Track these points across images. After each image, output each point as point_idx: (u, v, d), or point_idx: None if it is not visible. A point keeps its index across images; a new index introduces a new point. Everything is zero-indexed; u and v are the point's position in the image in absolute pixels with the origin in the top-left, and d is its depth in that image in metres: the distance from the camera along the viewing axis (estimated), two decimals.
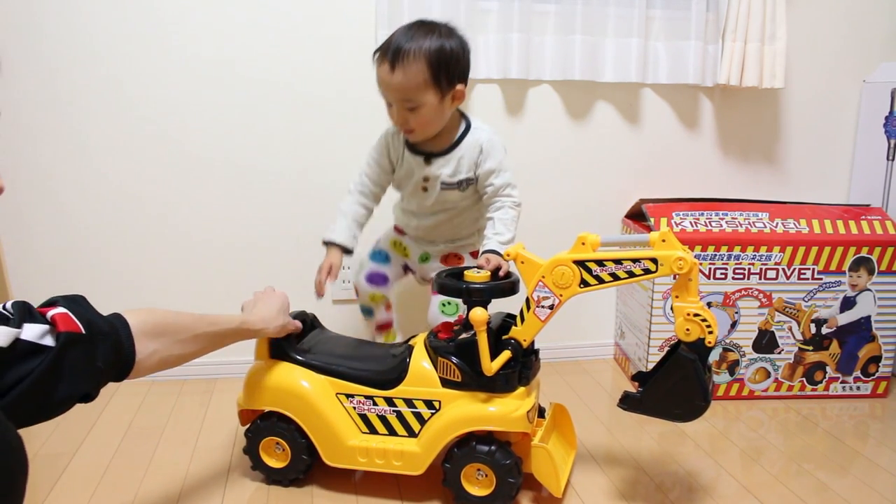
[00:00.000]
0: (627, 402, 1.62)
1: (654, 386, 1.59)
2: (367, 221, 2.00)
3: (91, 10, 2.17)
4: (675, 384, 1.55)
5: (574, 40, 2.36)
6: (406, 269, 2.11)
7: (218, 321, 1.60)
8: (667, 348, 1.66)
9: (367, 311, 2.12)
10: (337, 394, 1.72)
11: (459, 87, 1.80)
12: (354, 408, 1.72)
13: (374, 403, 1.70)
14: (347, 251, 1.95)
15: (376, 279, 2.07)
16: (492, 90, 2.41)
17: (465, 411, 1.62)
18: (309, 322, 1.88)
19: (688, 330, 1.51)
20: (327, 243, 1.95)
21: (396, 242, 2.10)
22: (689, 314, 1.50)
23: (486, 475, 1.64)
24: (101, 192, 2.28)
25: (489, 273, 1.68)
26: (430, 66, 1.73)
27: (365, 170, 1.97)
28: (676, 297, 1.53)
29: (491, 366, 1.58)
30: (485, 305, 1.62)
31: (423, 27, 1.77)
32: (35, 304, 1.23)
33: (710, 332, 1.50)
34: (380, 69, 1.77)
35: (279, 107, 2.31)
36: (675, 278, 1.52)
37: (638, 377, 1.68)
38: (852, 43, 2.60)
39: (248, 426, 1.79)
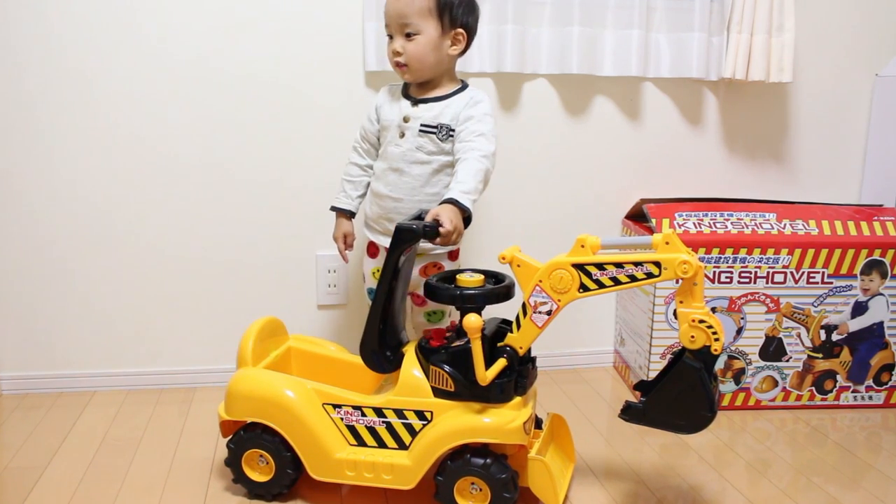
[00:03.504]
0: (630, 412, 1.62)
1: (657, 396, 1.59)
2: (364, 182, 2.06)
3: (60, 2, 2.16)
4: (680, 394, 1.56)
5: (571, 32, 2.37)
6: None
7: None
8: (669, 356, 1.67)
9: None
10: (323, 404, 1.73)
11: (461, 32, 1.89)
12: (342, 419, 1.72)
13: (363, 414, 1.71)
14: (351, 214, 2.09)
15: None
16: (485, 84, 2.41)
17: (459, 422, 1.63)
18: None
19: (692, 337, 1.51)
20: (333, 209, 2.09)
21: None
22: (694, 320, 1.51)
23: (481, 489, 1.64)
24: (71, 194, 2.28)
25: (482, 277, 1.69)
26: None
27: (362, 125, 2.05)
28: (681, 302, 1.53)
29: (486, 375, 1.58)
30: (479, 311, 1.62)
31: None
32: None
33: (717, 340, 1.51)
34: None
35: (260, 104, 2.31)
36: (677, 282, 1.53)
37: (640, 386, 1.68)
38: (864, 35, 2.61)
39: (230, 437, 1.79)
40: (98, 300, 2.36)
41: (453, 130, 1.90)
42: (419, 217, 1.73)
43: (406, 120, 1.92)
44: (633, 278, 1.54)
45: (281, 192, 2.37)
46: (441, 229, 1.66)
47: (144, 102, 2.26)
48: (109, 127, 2.26)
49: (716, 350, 1.52)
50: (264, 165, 2.35)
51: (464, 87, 1.96)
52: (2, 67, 2.18)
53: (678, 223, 2.27)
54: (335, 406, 1.73)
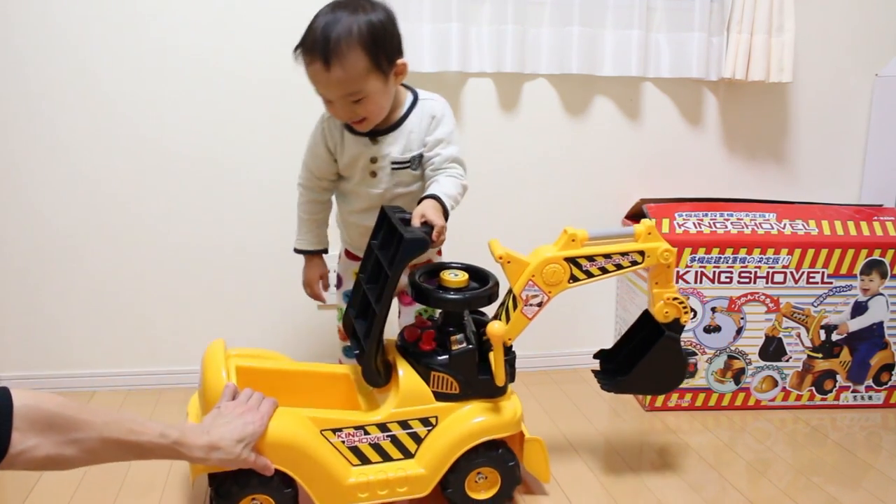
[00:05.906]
0: (618, 385, 1.86)
1: (642, 368, 1.80)
2: (328, 214, 1.97)
3: (63, 1, 2.16)
4: (662, 363, 1.81)
5: (571, 32, 2.36)
6: None
7: (143, 431, 1.34)
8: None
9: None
10: (322, 430, 1.62)
11: (400, 61, 1.70)
12: (343, 441, 1.63)
13: (366, 433, 1.64)
14: (323, 251, 1.97)
15: None
16: (485, 84, 2.41)
17: (471, 424, 1.65)
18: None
19: (666, 312, 1.76)
20: (302, 252, 1.97)
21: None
22: (668, 298, 1.75)
23: (487, 477, 1.69)
24: (74, 191, 2.28)
25: (466, 277, 1.68)
26: (367, 50, 1.62)
27: (306, 161, 1.89)
28: (656, 283, 1.76)
29: (503, 377, 1.64)
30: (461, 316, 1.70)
31: (344, 7, 1.64)
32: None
33: (686, 312, 1.77)
34: (310, 68, 1.66)
35: (261, 102, 2.31)
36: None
37: (601, 355, 1.93)
38: (864, 35, 2.60)
39: (213, 485, 1.57)
40: (98, 300, 2.35)
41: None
42: (404, 221, 1.63)
43: (374, 161, 1.78)
44: (619, 266, 1.72)
45: (282, 192, 2.34)
46: (435, 228, 1.58)
47: (145, 102, 2.26)
48: (114, 123, 2.26)
49: (684, 321, 1.78)
50: (266, 165, 2.34)
51: (415, 97, 1.81)
52: (7, 64, 2.18)
53: (678, 223, 2.27)
54: (334, 430, 1.62)
